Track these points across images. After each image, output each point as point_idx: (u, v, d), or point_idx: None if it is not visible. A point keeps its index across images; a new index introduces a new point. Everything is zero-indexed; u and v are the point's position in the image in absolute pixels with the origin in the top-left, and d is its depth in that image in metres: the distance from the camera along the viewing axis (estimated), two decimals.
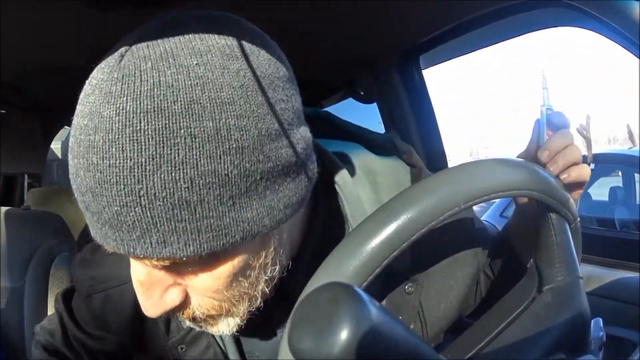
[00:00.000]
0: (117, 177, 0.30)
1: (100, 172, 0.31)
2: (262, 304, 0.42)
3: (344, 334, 0.23)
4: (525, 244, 0.57)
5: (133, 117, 0.30)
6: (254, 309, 0.42)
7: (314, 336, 0.24)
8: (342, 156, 0.50)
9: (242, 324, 0.42)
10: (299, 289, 0.37)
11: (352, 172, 0.49)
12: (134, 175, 0.30)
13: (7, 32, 0.95)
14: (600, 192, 3.00)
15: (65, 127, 2.33)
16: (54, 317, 0.62)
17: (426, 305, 0.52)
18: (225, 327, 0.42)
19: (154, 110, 0.30)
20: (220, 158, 0.31)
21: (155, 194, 0.31)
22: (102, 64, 0.33)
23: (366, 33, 1.16)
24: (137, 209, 0.31)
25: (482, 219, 0.71)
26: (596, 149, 3.29)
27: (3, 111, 1.49)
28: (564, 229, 0.44)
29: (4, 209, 1.29)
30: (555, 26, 1.02)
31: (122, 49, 0.33)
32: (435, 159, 1.36)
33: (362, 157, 0.51)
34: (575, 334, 0.41)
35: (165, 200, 0.31)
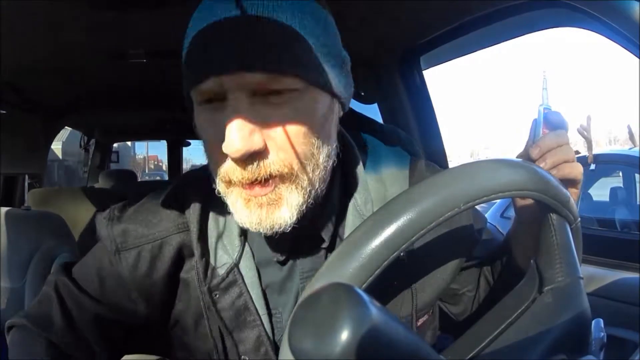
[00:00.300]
0: (270, 8, 0.43)
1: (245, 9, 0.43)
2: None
3: (344, 335, 0.23)
4: (525, 247, 0.57)
5: None
6: (314, 189, 0.47)
7: (314, 336, 0.24)
8: (357, 142, 0.59)
9: (302, 208, 0.47)
10: (325, 225, 0.53)
11: (363, 157, 0.57)
12: (282, 10, 0.44)
13: (7, 32, 0.95)
14: (601, 192, 3.00)
15: (66, 127, 2.32)
16: (46, 304, 0.58)
17: (417, 274, 0.55)
18: (287, 211, 0.46)
19: None
20: (321, 29, 0.47)
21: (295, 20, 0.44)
22: None
23: (366, 33, 1.16)
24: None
25: None
26: (597, 150, 3.29)
27: (3, 111, 1.49)
28: (565, 230, 0.44)
29: (4, 209, 1.29)
30: (556, 26, 1.02)
31: None
32: (435, 160, 1.35)
33: (371, 144, 0.60)
34: (576, 334, 0.41)
35: (297, 24, 0.44)
